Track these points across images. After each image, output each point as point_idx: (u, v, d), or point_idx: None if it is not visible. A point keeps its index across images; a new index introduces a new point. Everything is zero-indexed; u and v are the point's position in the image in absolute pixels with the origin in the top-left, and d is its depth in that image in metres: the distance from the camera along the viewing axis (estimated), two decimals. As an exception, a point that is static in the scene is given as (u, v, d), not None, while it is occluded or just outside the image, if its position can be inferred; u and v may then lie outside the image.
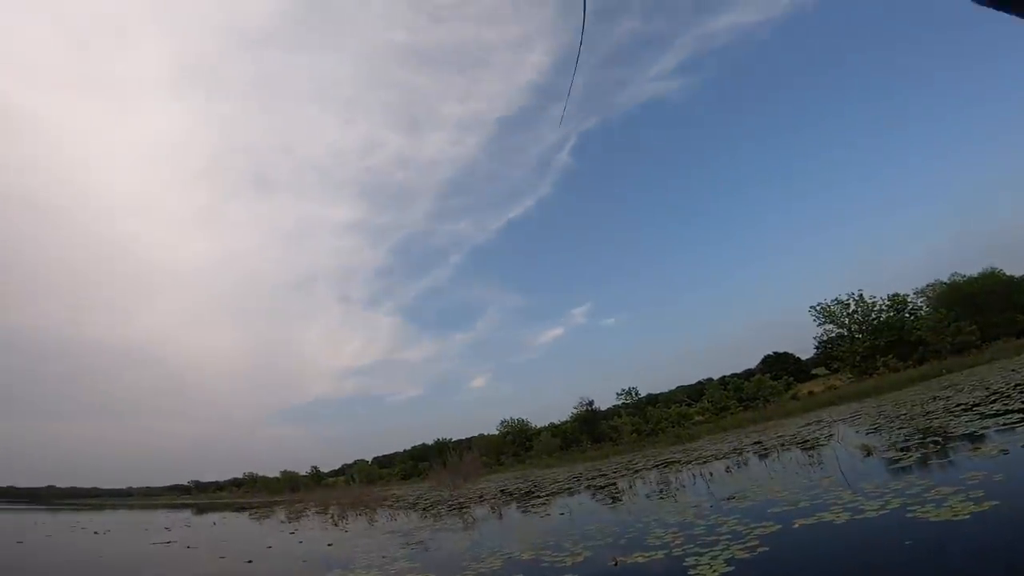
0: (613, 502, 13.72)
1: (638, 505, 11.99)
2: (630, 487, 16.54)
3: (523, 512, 15.64)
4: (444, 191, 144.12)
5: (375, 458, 77.98)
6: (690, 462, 21.29)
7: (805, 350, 60.06)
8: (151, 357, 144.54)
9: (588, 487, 19.55)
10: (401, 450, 73.02)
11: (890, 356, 43.84)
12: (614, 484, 18.62)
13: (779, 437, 22.02)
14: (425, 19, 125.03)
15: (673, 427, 48.43)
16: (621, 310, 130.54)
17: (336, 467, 79.05)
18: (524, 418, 59.76)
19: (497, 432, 59.34)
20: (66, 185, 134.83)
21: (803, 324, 53.27)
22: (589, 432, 54.69)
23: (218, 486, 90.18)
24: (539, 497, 19.03)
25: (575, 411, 55.71)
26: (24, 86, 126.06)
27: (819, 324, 49.53)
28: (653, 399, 64.69)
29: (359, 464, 74.49)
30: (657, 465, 23.39)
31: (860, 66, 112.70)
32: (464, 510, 17.89)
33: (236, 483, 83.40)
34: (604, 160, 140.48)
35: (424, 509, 19.82)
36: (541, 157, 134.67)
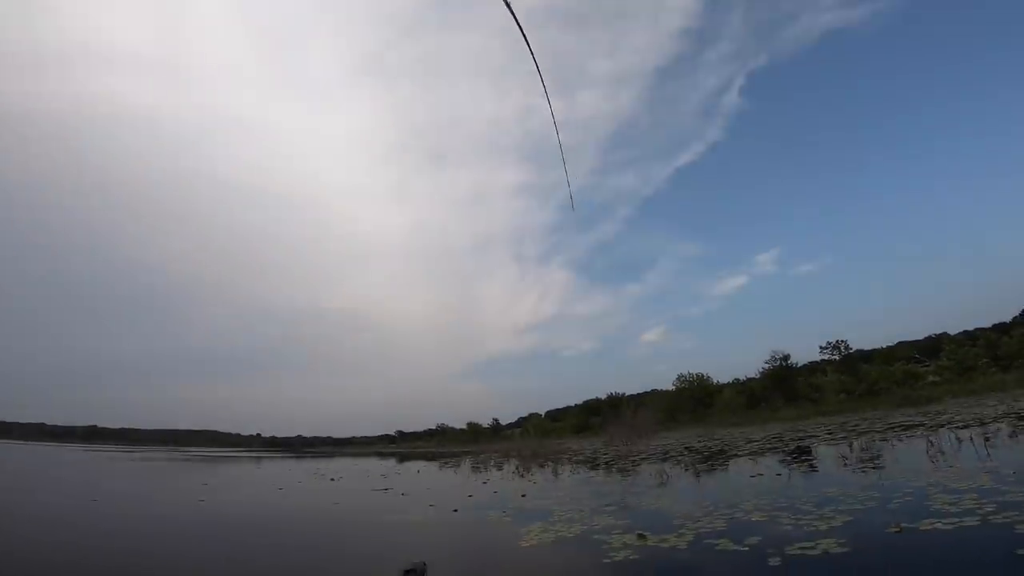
0: (846, 465, 11.08)
1: (888, 470, 9.33)
2: (864, 449, 13.42)
3: (722, 471, 13.78)
4: (605, 146, 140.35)
5: (548, 412, 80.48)
6: (940, 426, 16.82)
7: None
8: (365, 321, 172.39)
9: (797, 448, 16.66)
10: (573, 404, 74.01)
11: None
12: (833, 446, 15.50)
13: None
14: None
15: (898, 387, 40.33)
16: (820, 254, 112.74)
17: (513, 420, 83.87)
18: (704, 373, 55.19)
19: (673, 388, 56.01)
20: (288, 176, 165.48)
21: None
22: (782, 390, 48.49)
23: (416, 436, 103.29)
24: (737, 456, 16.83)
25: (766, 366, 49.40)
26: (245, 94, 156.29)
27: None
28: (865, 356, 54.85)
29: (533, 418, 77.59)
30: (889, 428, 19.09)
31: None
32: (651, 466, 16.61)
33: (430, 433, 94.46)
34: (781, 97, 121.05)
35: (606, 464, 19.04)
36: (705, 102, 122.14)
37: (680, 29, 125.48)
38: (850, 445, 14.83)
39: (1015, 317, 52.58)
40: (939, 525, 5.30)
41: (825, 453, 14.49)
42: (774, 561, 4.83)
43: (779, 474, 10.87)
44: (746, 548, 5.36)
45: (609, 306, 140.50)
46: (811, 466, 12.06)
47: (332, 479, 20.11)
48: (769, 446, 18.84)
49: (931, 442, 12.69)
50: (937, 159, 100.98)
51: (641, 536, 6.15)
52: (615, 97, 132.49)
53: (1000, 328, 49.62)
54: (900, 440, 14.84)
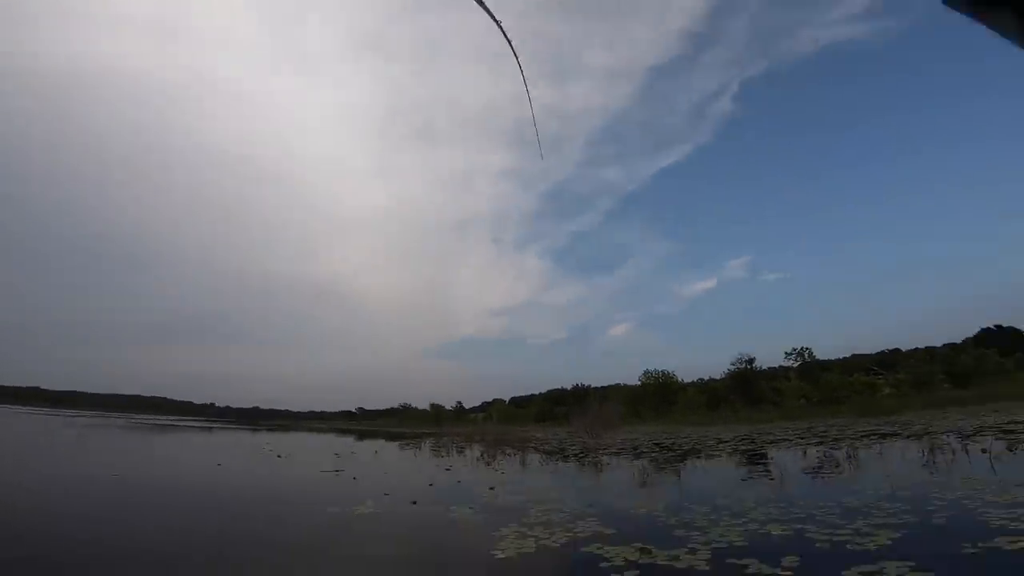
0: (839, 471, 10.25)
1: (895, 480, 8.43)
2: (851, 457, 12.72)
3: (703, 472, 12.87)
4: (594, 139, 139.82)
5: (512, 398, 80.00)
6: (918, 436, 16.45)
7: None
8: (335, 294, 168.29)
9: (775, 452, 15.98)
10: (538, 392, 73.57)
11: None
12: (812, 450, 14.85)
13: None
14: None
15: (857, 397, 41.01)
16: (788, 265, 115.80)
17: (477, 404, 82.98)
18: (669, 371, 55.27)
19: (638, 383, 55.96)
20: (273, 147, 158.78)
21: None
22: (744, 392, 48.94)
23: (378, 413, 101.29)
24: (712, 456, 16.05)
25: (732, 368, 49.71)
26: (240, 63, 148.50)
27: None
28: (822, 365, 56.06)
29: (497, 403, 76.91)
30: (863, 435, 18.70)
31: None
32: (624, 462, 15.66)
33: (392, 412, 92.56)
34: (772, 107, 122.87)
35: (576, 457, 18.02)
36: (696, 105, 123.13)
37: (682, 29, 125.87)
38: (848, 454, 14.03)
39: (967, 338, 54.47)
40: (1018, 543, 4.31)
41: (810, 457, 13.79)
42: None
43: (772, 479, 9.95)
44: (789, 574, 4.23)
45: (581, 297, 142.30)
46: (802, 471, 11.23)
47: (280, 456, 18.43)
48: (743, 447, 18.18)
49: (923, 452, 12.09)
50: (914, 179, 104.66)
51: (645, 551, 4.96)
52: (608, 91, 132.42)
53: (950, 348, 51.30)
54: (882, 448, 14.25)
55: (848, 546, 4.85)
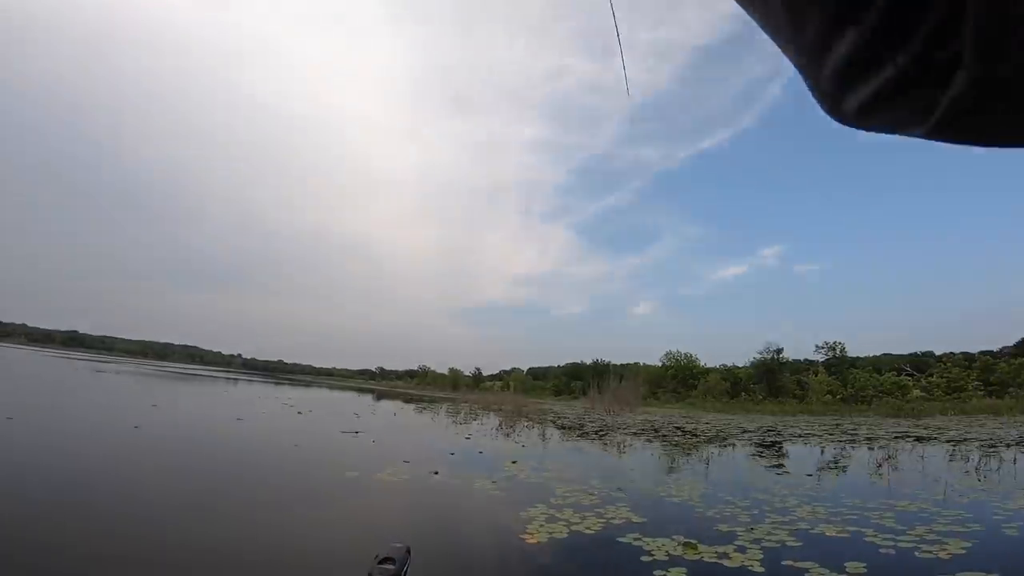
0: (880, 473, 9.68)
1: (942, 484, 7.84)
2: (889, 457, 12.09)
3: (732, 461, 12.42)
4: (633, 116, 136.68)
5: (530, 368, 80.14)
6: (956, 441, 15.67)
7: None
8: (364, 251, 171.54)
9: (803, 446, 15.42)
10: (556, 364, 73.52)
11: None
12: (841, 447, 14.25)
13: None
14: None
15: (890, 397, 39.75)
16: (823, 258, 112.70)
17: (494, 371, 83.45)
18: (691, 353, 54.49)
19: (659, 363, 55.38)
20: (311, 103, 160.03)
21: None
22: (768, 382, 48.02)
23: (396, 375, 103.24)
24: (735, 446, 15.57)
25: (758, 356, 48.68)
26: (279, 18, 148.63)
27: None
28: (850, 362, 54.45)
29: (515, 373, 77.11)
30: (896, 436, 17.94)
31: None
32: (646, 443, 15.32)
33: (410, 374, 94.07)
34: None
35: (596, 434, 17.73)
36: (745, 89, 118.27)
37: (734, 13, 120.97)
38: (888, 455, 13.39)
39: (1004, 347, 51.95)
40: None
41: (844, 454, 13.21)
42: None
43: (809, 474, 9.45)
44: (856, 588, 3.80)
45: (606, 273, 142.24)
46: (840, 469, 10.68)
47: (300, 412, 18.60)
48: (769, 439, 17.63)
49: (967, 458, 11.41)
50: (958, 177, 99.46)
51: (690, 546, 4.57)
52: (653, 69, 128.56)
53: (987, 354, 49.07)
54: (923, 451, 13.54)
55: (916, 554, 4.39)
